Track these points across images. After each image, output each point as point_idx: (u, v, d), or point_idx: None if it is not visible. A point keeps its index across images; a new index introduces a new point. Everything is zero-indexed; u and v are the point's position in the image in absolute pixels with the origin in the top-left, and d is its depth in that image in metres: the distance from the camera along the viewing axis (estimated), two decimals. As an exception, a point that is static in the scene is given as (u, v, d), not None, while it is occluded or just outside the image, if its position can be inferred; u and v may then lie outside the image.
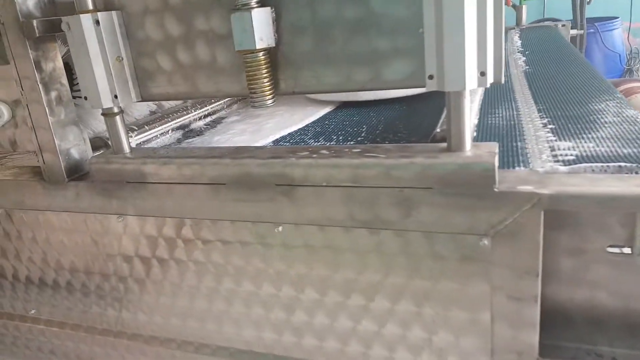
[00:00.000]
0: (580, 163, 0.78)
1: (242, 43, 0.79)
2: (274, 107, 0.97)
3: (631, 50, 4.79)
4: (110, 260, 1.05)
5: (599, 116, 1.01)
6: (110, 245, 1.03)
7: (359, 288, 0.85)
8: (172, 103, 1.42)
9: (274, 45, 0.81)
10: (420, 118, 1.29)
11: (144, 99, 0.96)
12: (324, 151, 0.84)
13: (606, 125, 0.95)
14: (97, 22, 0.87)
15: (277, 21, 0.82)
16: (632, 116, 0.99)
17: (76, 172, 1.03)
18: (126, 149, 0.98)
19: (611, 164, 0.76)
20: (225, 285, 0.96)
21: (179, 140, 1.30)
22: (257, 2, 0.78)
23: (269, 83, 0.83)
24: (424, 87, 0.76)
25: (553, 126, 0.98)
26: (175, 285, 1.01)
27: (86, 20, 0.87)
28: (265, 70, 0.82)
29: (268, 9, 0.79)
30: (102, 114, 0.95)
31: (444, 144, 0.78)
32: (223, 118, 1.49)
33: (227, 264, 0.94)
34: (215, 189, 0.89)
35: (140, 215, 0.97)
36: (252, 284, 0.93)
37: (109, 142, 1.11)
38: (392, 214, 0.79)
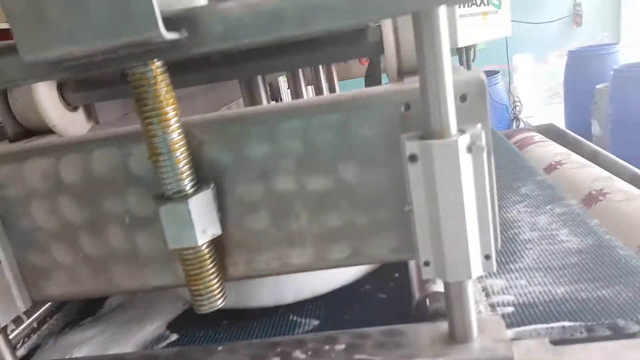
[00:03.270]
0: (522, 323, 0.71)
1: (180, 240, 0.59)
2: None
3: (513, 100, 5.26)
4: None
5: (517, 231, 1.00)
6: None
7: None
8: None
9: (220, 232, 0.63)
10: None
11: (36, 301, 0.71)
12: (299, 353, 0.65)
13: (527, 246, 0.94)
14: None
15: (220, 196, 0.63)
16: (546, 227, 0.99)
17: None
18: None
19: (554, 325, 0.70)
20: None
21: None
22: (192, 186, 0.59)
23: (217, 280, 0.63)
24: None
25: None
26: None
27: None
28: (211, 265, 0.62)
29: (208, 191, 0.60)
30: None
31: (444, 324, 0.64)
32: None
33: None
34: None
35: None
36: None
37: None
38: None
